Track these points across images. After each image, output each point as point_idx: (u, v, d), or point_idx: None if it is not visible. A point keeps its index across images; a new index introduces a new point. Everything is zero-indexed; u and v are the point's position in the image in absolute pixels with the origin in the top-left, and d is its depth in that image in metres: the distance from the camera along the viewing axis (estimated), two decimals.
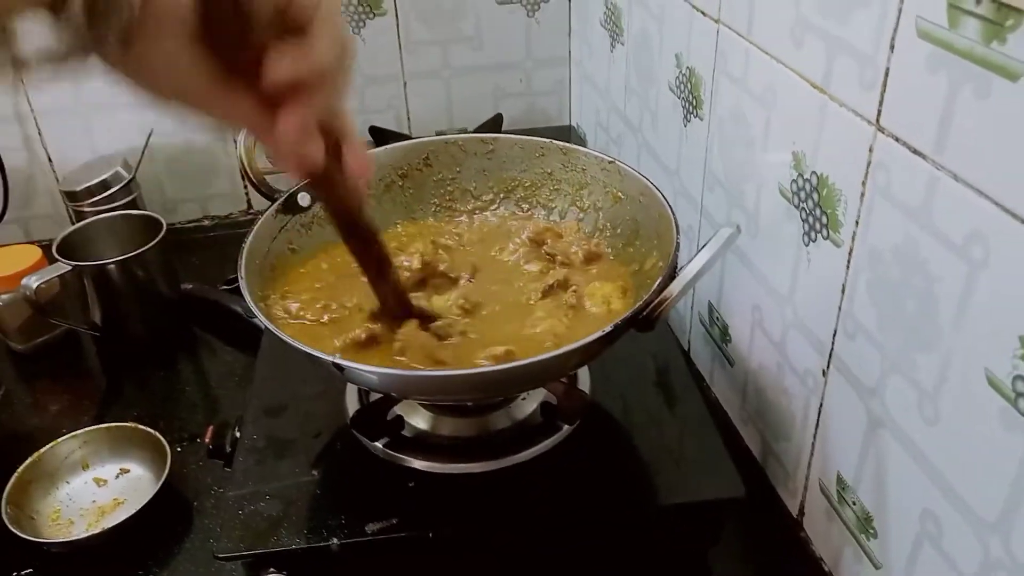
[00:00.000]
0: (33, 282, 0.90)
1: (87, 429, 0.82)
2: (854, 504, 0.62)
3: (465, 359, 0.60)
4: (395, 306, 0.61)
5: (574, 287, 0.68)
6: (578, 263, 0.71)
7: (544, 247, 0.73)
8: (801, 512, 0.71)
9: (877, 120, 0.53)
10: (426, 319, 0.62)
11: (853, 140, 0.55)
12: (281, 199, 0.70)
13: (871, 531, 0.60)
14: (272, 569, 0.59)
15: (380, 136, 1.13)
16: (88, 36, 0.34)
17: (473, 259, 0.73)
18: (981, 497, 0.48)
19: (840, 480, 0.64)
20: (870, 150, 0.54)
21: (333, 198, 0.53)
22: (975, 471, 0.48)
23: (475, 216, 0.79)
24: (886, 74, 0.51)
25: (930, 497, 0.53)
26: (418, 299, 0.66)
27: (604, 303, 0.66)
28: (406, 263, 0.69)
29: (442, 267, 0.70)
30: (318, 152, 0.44)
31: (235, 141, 1.20)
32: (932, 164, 0.48)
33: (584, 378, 0.71)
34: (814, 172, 0.61)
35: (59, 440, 0.80)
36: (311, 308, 0.66)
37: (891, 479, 0.57)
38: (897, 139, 0.51)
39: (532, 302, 0.67)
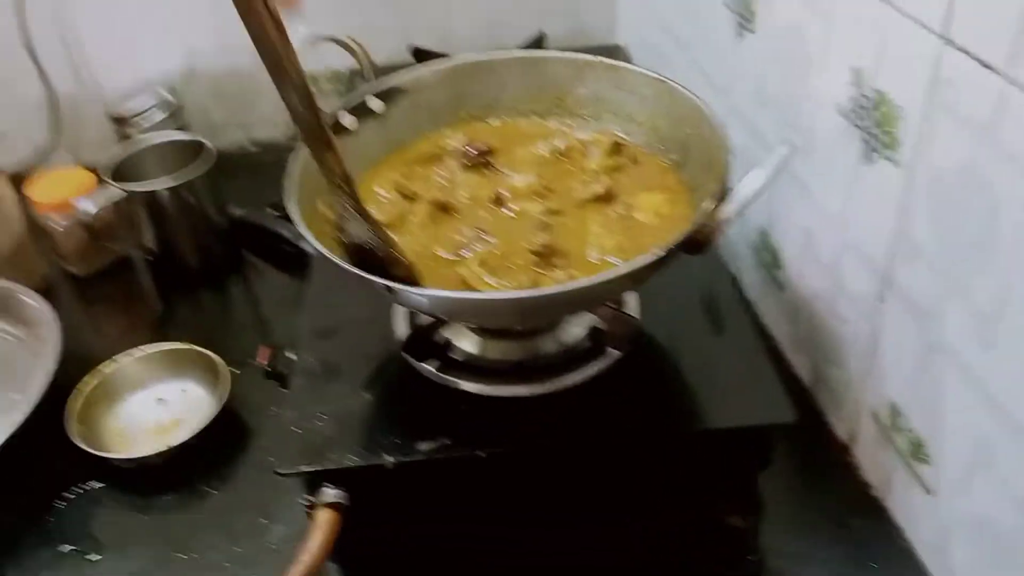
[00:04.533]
0: (91, 207, 0.91)
1: (147, 351, 0.84)
2: (908, 431, 0.61)
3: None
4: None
5: (622, 201, 0.67)
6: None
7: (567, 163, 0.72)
8: (851, 438, 0.71)
9: (945, 32, 0.50)
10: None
11: (917, 54, 0.53)
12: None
13: (923, 457, 0.60)
14: (329, 484, 0.61)
15: (422, 56, 1.11)
16: None
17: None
18: None
19: (893, 406, 0.63)
20: (936, 64, 0.51)
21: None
22: None
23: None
24: None
25: (985, 422, 0.52)
26: (493, 178, 0.70)
27: (654, 213, 0.65)
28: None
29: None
30: None
31: None
32: (1003, 78, 0.46)
33: (633, 303, 0.71)
34: (875, 89, 0.59)
35: (120, 360, 0.83)
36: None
37: (947, 405, 0.56)
38: (966, 52, 0.49)
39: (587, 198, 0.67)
